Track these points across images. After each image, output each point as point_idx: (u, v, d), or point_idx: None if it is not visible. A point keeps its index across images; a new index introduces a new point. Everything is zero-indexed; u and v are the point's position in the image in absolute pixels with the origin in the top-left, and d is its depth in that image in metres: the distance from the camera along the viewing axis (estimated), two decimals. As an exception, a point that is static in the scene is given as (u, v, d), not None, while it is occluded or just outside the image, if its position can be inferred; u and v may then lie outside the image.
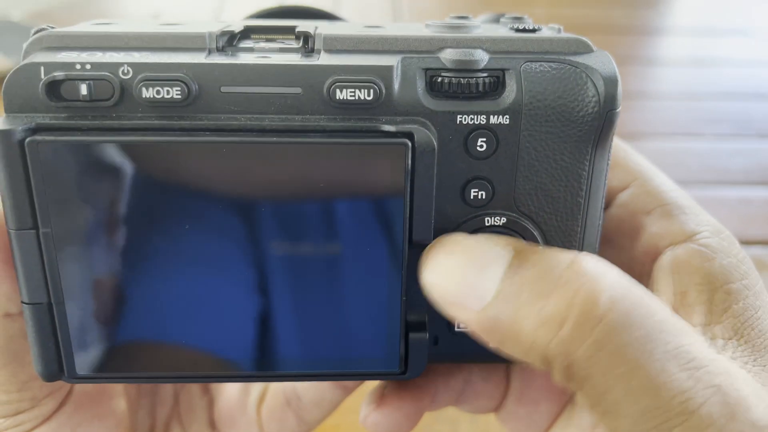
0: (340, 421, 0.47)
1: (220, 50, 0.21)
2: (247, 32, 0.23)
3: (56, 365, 0.22)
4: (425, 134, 0.21)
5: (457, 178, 0.22)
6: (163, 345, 0.22)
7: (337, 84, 0.20)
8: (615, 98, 0.21)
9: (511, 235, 0.23)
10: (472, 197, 0.23)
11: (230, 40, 0.22)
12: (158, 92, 0.19)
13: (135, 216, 0.21)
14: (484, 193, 0.23)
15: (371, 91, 0.20)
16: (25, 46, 0.20)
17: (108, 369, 0.22)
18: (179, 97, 0.20)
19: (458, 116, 0.21)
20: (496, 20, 0.27)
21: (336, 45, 0.21)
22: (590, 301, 0.18)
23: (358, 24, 0.24)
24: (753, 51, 0.97)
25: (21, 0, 1.14)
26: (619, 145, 0.28)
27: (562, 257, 0.19)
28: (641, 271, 0.26)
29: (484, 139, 0.22)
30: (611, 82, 0.21)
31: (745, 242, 0.62)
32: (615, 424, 0.18)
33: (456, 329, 0.25)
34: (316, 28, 0.22)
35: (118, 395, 0.27)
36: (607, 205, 0.27)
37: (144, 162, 0.20)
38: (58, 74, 0.19)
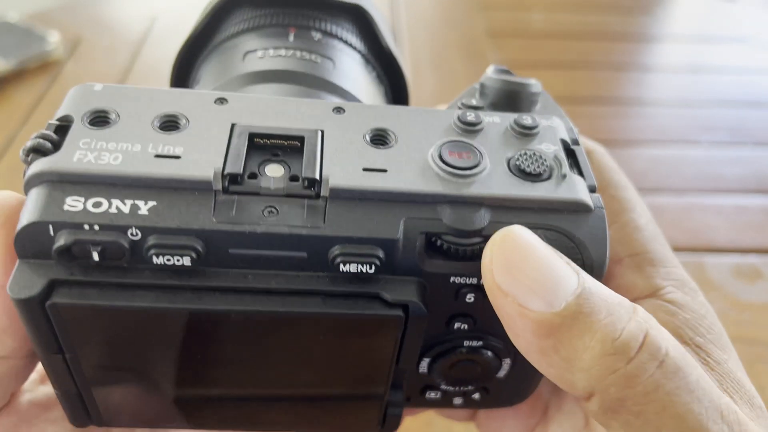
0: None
1: (226, 191, 0.21)
2: (251, 139, 0.22)
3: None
4: (419, 307, 0.22)
5: (443, 313, 0.24)
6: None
7: (341, 258, 0.20)
8: (602, 267, 0.22)
9: (483, 354, 0.26)
10: (455, 327, 0.25)
11: (234, 179, 0.21)
12: (168, 260, 0.20)
13: (146, 351, 0.23)
14: (466, 325, 0.25)
15: (373, 266, 0.21)
16: (25, 178, 0.20)
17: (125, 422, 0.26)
18: (189, 264, 0.20)
19: (452, 277, 0.22)
20: (505, 72, 0.28)
21: (342, 194, 0.21)
22: (655, 344, 0.20)
23: (367, 147, 0.23)
24: (749, 59, 0.97)
25: (18, 1, 1.14)
26: (604, 170, 0.28)
27: (626, 301, 0.21)
28: None
29: (473, 295, 0.23)
30: (600, 256, 0.22)
31: (740, 250, 0.63)
32: None
33: (428, 396, 0.29)
34: (322, 148, 0.22)
35: None
36: None
37: (157, 318, 0.21)
38: (68, 240, 0.19)
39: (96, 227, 0.20)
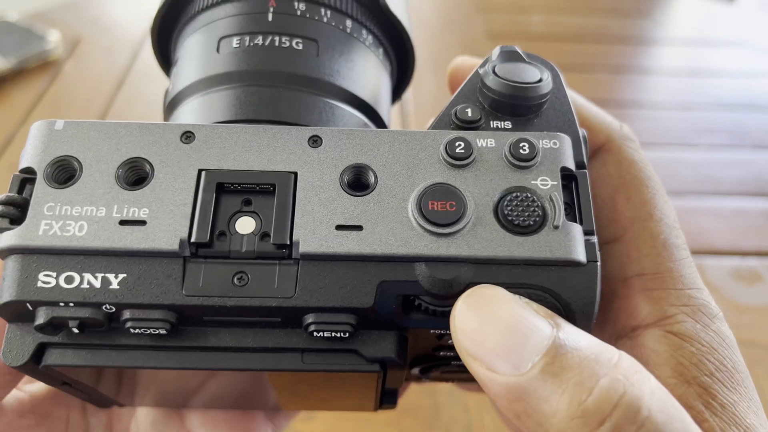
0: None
1: (195, 256, 0.20)
2: (220, 187, 0.21)
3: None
4: (396, 362, 0.21)
5: (428, 345, 0.24)
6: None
7: (314, 327, 0.20)
8: (588, 327, 0.21)
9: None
10: (441, 354, 0.25)
11: (202, 244, 0.21)
12: (145, 330, 0.20)
13: (141, 376, 0.24)
14: (452, 353, 0.24)
15: (347, 332, 0.20)
16: None
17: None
18: (165, 333, 0.20)
19: (431, 330, 0.22)
20: (515, 59, 0.25)
21: (314, 257, 0.20)
22: (634, 405, 0.17)
23: (342, 194, 0.21)
24: (748, 62, 0.98)
25: (18, 0, 1.14)
26: (623, 165, 0.26)
27: (607, 353, 0.18)
28: (612, 333, 0.24)
29: None
30: (586, 317, 0.21)
31: (740, 253, 0.63)
32: None
33: (423, 379, 0.29)
34: (294, 198, 0.21)
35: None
36: None
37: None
38: (46, 317, 0.20)
39: (71, 304, 0.20)
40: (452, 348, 0.24)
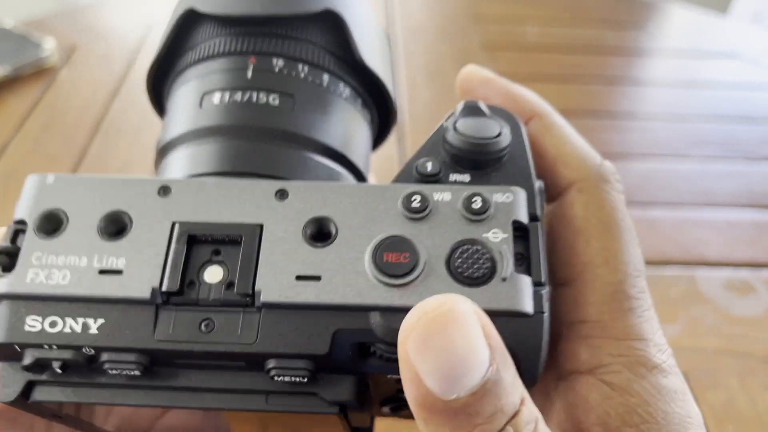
0: None
1: (166, 303, 0.22)
2: (192, 240, 0.23)
3: None
4: (357, 407, 0.22)
5: (391, 387, 0.24)
6: None
7: (275, 372, 0.21)
8: (533, 378, 0.21)
9: None
10: (404, 396, 0.26)
11: (172, 294, 0.22)
12: (121, 371, 0.22)
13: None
14: None
15: (306, 377, 0.22)
16: None
17: None
18: (139, 374, 0.22)
19: (388, 375, 0.23)
20: (476, 113, 0.26)
21: (274, 306, 0.22)
22: None
23: (304, 246, 0.22)
24: (741, 74, 0.98)
25: (14, 7, 1.14)
26: (592, 218, 0.25)
27: (511, 400, 0.19)
28: (554, 373, 0.25)
29: None
30: (531, 367, 0.21)
31: (732, 264, 0.63)
32: None
33: (397, 414, 0.29)
34: (259, 249, 0.22)
35: None
36: None
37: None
38: (32, 359, 0.22)
39: (54, 347, 0.21)
40: None
